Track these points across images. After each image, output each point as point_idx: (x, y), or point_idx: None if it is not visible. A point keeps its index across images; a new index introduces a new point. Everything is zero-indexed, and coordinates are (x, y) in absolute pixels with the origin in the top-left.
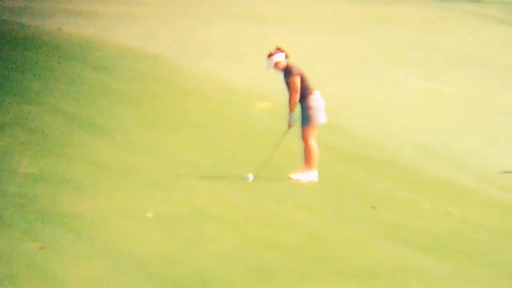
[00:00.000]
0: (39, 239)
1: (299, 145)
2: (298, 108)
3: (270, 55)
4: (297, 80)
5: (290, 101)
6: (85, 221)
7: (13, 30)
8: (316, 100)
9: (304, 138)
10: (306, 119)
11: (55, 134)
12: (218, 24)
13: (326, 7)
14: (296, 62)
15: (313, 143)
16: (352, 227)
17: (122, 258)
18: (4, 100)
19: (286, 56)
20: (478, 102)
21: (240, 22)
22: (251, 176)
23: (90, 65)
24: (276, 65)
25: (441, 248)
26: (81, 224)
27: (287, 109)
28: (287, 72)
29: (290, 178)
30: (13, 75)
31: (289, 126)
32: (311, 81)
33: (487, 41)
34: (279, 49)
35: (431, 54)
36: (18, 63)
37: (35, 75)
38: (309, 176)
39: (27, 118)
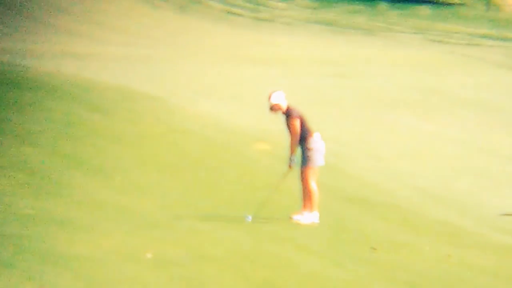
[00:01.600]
0: (38, 280)
1: (299, 187)
2: (298, 150)
3: (270, 98)
4: (297, 123)
5: (290, 143)
6: (84, 262)
7: (12, 71)
8: (316, 142)
9: (303, 179)
10: (305, 160)
11: (53, 175)
12: (218, 67)
13: (326, 50)
14: (296, 105)
15: (313, 184)
16: (351, 268)
17: None
18: (2, 141)
19: (286, 99)
20: (477, 145)
21: (240, 65)
22: (249, 217)
23: (88, 106)
24: (276, 107)
25: None
26: (79, 265)
27: (286, 151)
28: (287, 114)
29: (291, 219)
30: (11, 116)
31: (290, 168)
32: (311, 123)
33: (487, 85)
34: (279, 92)
35: (431, 96)
36: (17, 105)
37: (33, 117)
38: (310, 217)
39: (25, 160)
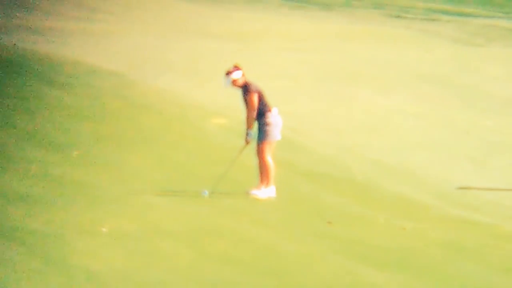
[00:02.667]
0: None
1: (255, 162)
2: (255, 125)
3: (228, 73)
4: (255, 98)
5: (247, 118)
6: (39, 236)
7: None
8: (274, 117)
9: (260, 154)
10: (263, 135)
11: (9, 149)
12: (176, 41)
13: (283, 24)
14: (254, 80)
15: (269, 159)
16: (307, 242)
17: (76, 274)
18: None
19: (244, 74)
20: (433, 119)
21: (198, 39)
22: (206, 192)
23: (45, 81)
24: (234, 82)
25: (395, 264)
26: (34, 239)
27: (244, 126)
28: (245, 89)
29: (248, 193)
30: None
31: (246, 142)
32: (269, 98)
33: (442, 59)
34: (236, 67)
35: (388, 71)
36: None
37: None
38: (267, 192)
39: None
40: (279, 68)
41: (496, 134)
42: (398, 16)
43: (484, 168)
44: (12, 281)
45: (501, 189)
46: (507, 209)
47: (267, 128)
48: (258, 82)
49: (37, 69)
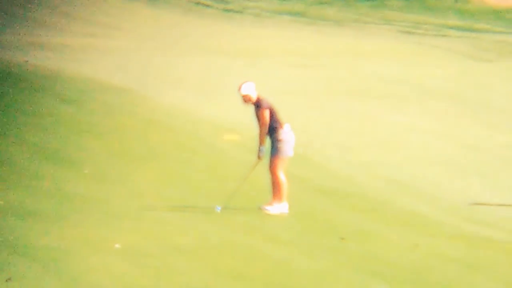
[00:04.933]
0: (5, 271)
1: (268, 178)
2: (267, 141)
3: (240, 89)
4: (267, 113)
5: (260, 134)
6: (52, 253)
7: None
8: (286, 133)
9: (273, 170)
10: (275, 151)
11: (21, 166)
12: (187, 58)
13: (293, 40)
14: (266, 95)
15: (282, 175)
16: (320, 258)
17: None
18: None
19: (256, 90)
20: (445, 135)
21: (209, 56)
22: (219, 208)
23: (57, 97)
24: (246, 98)
25: (409, 280)
26: (48, 256)
27: (255, 142)
28: (257, 105)
29: (260, 209)
30: None
31: (259, 158)
32: (281, 114)
33: (454, 75)
34: (249, 83)
35: (399, 87)
36: None
37: (2, 108)
38: (280, 208)
39: None
40: (290, 84)
41: (507, 149)
42: (408, 32)
43: (497, 184)
44: None
45: None
46: None
47: (280, 144)
48: (269, 98)
49: (49, 86)
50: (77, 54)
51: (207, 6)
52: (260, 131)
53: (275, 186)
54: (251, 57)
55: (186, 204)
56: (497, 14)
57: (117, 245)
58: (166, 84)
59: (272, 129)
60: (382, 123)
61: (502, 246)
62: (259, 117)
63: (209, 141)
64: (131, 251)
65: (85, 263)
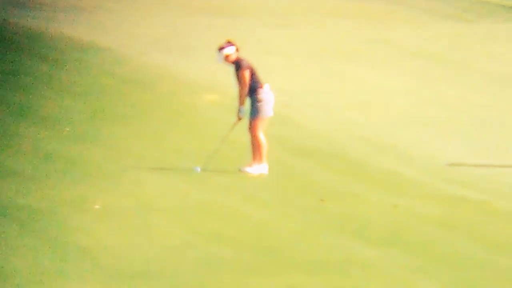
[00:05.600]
0: None
1: (248, 138)
2: (247, 101)
3: (220, 49)
4: (247, 74)
5: (239, 94)
6: (31, 212)
7: None
8: (266, 93)
9: (253, 130)
10: (255, 112)
11: (0, 125)
12: (167, 17)
13: (274, 0)
14: (246, 56)
15: (261, 136)
16: (300, 219)
17: (68, 250)
18: None
19: (237, 50)
20: (425, 96)
21: (189, 15)
22: (198, 168)
23: (37, 56)
24: (226, 58)
25: (388, 240)
26: (26, 215)
27: (236, 102)
28: (237, 65)
29: (240, 170)
30: None
31: (238, 119)
32: (261, 75)
33: (434, 36)
34: (229, 43)
35: (379, 47)
36: None
37: None
38: (259, 169)
39: None
40: (270, 44)
41: (487, 110)
42: None
43: (475, 144)
44: (3, 256)
45: (492, 165)
46: (499, 185)
47: (259, 104)
48: (249, 58)
49: (29, 45)
50: (58, 13)
51: None
52: (240, 91)
53: (255, 146)
54: (231, 16)
55: (166, 165)
56: None
57: (96, 206)
58: (146, 44)
59: (252, 90)
60: (362, 83)
61: (480, 206)
62: (239, 77)
63: (189, 101)
64: (111, 211)
65: (65, 223)
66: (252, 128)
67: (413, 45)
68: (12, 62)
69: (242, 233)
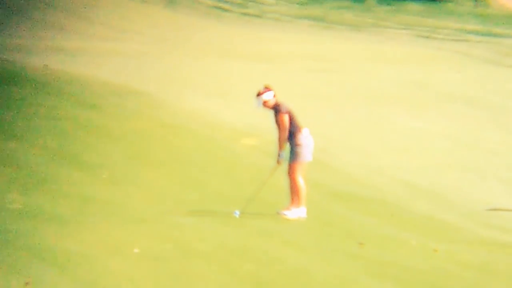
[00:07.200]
0: (24, 274)
1: (286, 182)
2: (286, 146)
3: (259, 94)
4: (286, 118)
5: (279, 139)
6: (70, 256)
7: None
8: (305, 137)
9: (291, 175)
10: (294, 156)
11: (40, 170)
12: (206, 62)
13: (312, 45)
14: (285, 100)
15: (300, 180)
16: (338, 264)
17: None
18: None
19: (275, 95)
20: (464, 140)
21: (228, 60)
22: (237, 212)
23: (75, 101)
24: (265, 103)
25: (428, 286)
26: (65, 260)
27: (275, 147)
28: (276, 110)
29: (278, 214)
30: None
31: (278, 163)
32: (299, 119)
33: (473, 80)
34: (267, 88)
35: (418, 92)
36: (4, 100)
37: (20, 112)
38: (298, 213)
39: (12, 155)
40: (308, 89)
41: None
42: (427, 37)
43: None
44: None
45: None
46: None
47: (298, 149)
48: (288, 102)
49: (67, 90)
50: (96, 58)
51: (227, 10)
52: (280, 136)
53: (294, 191)
54: (270, 62)
55: (204, 209)
56: None
57: (135, 250)
58: (184, 88)
59: (291, 134)
60: (401, 128)
61: None
62: (278, 122)
63: (227, 145)
64: (149, 256)
65: (103, 267)
66: (291, 172)
67: (452, 89)
68: (51, 107)
69: (280, 277)
